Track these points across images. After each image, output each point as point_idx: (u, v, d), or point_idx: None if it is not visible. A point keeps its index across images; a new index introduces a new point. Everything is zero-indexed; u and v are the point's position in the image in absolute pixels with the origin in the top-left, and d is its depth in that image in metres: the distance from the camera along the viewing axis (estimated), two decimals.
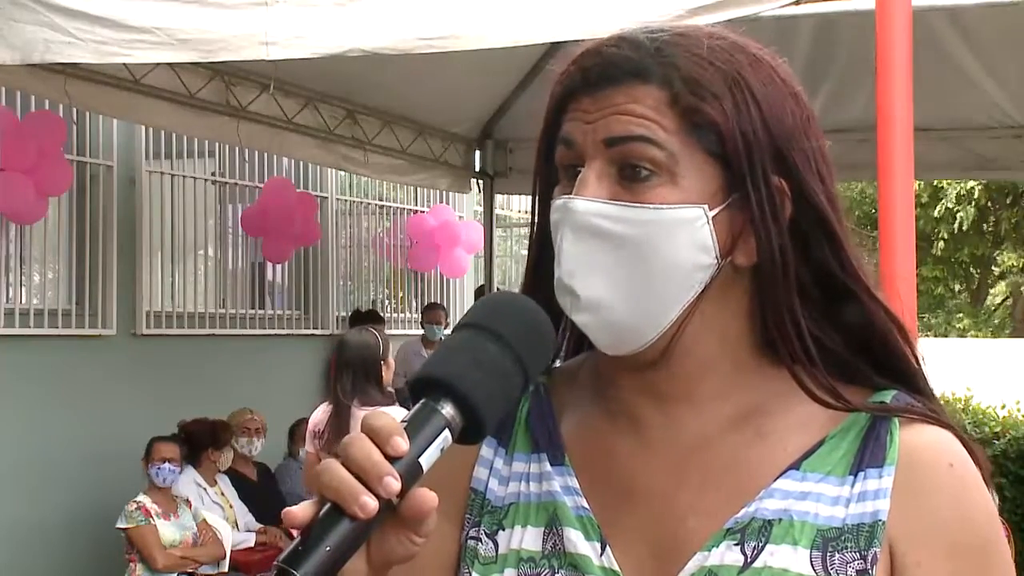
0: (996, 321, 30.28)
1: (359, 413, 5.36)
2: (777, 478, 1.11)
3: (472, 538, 1.19)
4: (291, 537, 6.69)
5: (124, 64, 5.29)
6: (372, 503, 0.90)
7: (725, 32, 1.15)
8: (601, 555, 1.13)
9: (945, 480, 1.11)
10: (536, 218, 1.21)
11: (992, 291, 29.23)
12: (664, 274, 1.09)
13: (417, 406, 0.98)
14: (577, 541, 1.14)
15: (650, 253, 1.09)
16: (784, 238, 1.10)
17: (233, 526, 6.62)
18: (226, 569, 6.38)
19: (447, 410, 0.97)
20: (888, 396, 1.14)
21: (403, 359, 9.18)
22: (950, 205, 24.35)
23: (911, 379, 1.16)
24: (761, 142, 1.09)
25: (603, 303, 1.10)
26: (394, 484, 0.91)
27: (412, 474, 0.94)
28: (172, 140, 7.99)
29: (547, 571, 1.14)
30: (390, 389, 5.94)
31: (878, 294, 1.15)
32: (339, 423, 5.37)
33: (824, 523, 1.09)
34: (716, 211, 1.10)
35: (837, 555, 1.08)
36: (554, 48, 6.94)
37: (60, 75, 5.39)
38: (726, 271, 1.11)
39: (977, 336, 29.50)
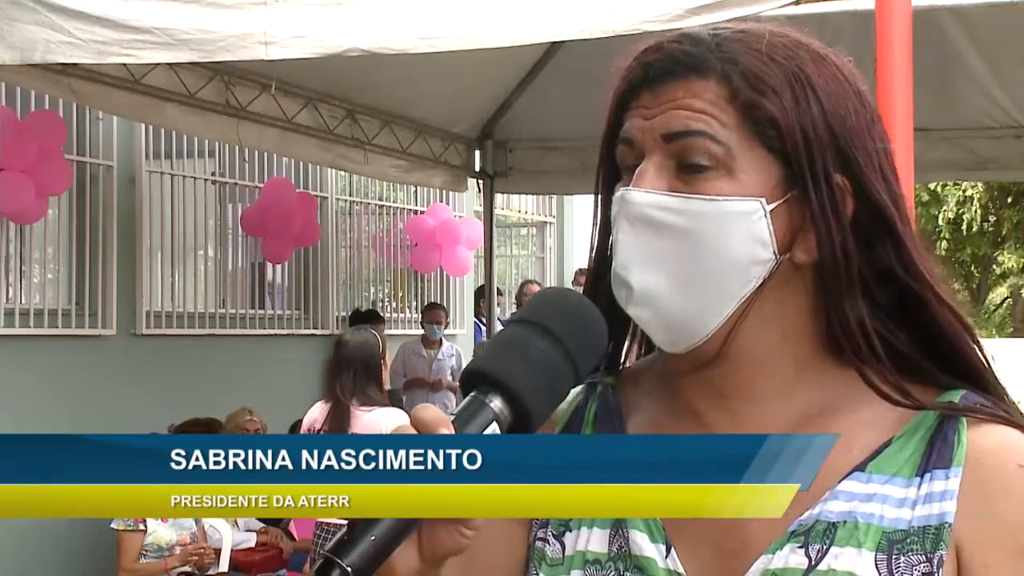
0: (997, 321, 30.29)
1: (358, 412, 5.36)
2: (842, 480, 1.10)
3: (540, 539, 1.18)
4: (292, 538, 6.68)
5: (124, 64, 5.29)
6: None
7: (788, 29, 1.15)
8: (666, 557, 1.13)
9: (1014, 481, 1.09)
10: (599, 220, 1.20)
11: (992, 292, 29.24)
12: (720, 267, 1.09)
13: (466, 399, 0.98)
14: (642, 543, 1.13)
15: (706, 245, 1.08)
16: (846, 235, 1.09)
17: (233, 526, 6.62)
18: (226, 569, 6.38)
19: (496, 404, 0.97)
20: (956, 396, 1.13)
21: (403, 359, 9.17)
22: (951, 215, 24.36)
23: (979, 377, 1.15)
24: (822, 138, 1.09)
25: (657, 295, 1.10)
26: None
27: None
28: (172, 140, 8.00)
29: (613, 573, 1.14)
30: (387, 389, 5.93)
31: (944, 295, 1.14)
32: (338, 422, 5.36)
33: (889, 525, 1.08)
34: (774, 205, 1.09)
35: (903, 557, 1.07)
36: (554, 48, 6.95)
37: (61, 75, 5.39)
38: (785, 267, 1.11)
39: (985, 336, 29.44)
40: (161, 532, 6.14)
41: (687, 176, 1.09)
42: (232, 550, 6.44)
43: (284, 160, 9.00)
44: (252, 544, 6.75)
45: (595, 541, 1.15)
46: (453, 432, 0.94)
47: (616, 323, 1.12)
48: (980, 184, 23.15)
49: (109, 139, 7.45)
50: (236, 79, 6.45)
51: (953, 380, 1.14)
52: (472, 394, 0.98)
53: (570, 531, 1.17)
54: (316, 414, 5.58)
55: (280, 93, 6.68)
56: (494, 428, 0.97)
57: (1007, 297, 29.23)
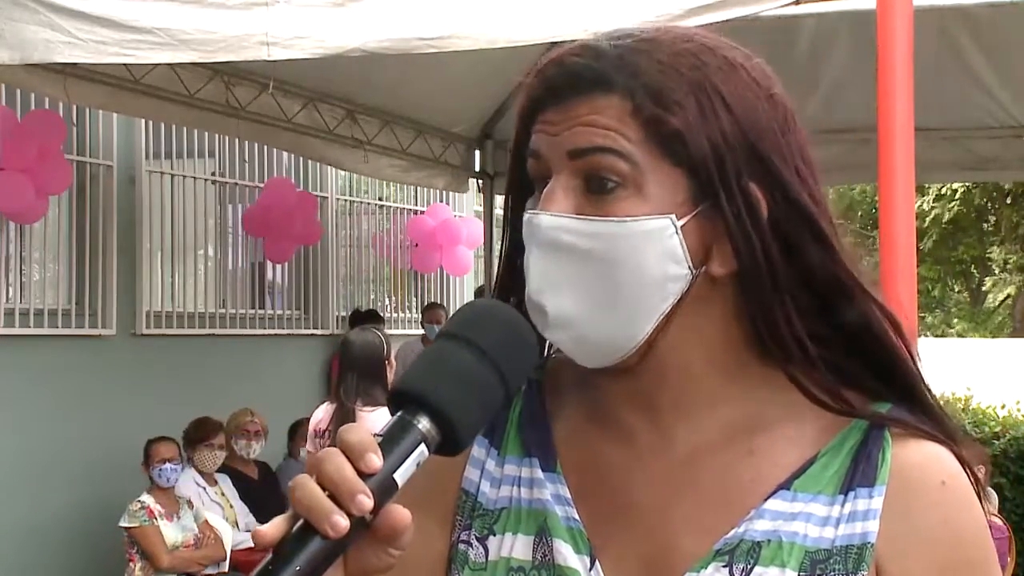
0: (996, 321, 30.26)
1: (363, 414, 5.35)
2: (767, 498, 1.10)
3: (463, 541, 1.17)
4: None
5: (124, 64, 5.29)
6: (343, 522, 0.89)
7: (695, 34, 1.13)
8: (590, 569, 1.12)
9: (936, 498, 1.09)
10: (508, 229, 1.19)
11: (984, 287, 29.25)
12: (634, 287, 1.07)
13: (393, 420, 0.96)
14: (566, 554, 1.12)
15: (618, 267, 1.07)
16: (767, 242, 1.08)
17: (233, 526, 6.62)
18: (226, 569, 6.38)
19: (423, 424, 0.95)
20: (884, 408, 1.12)
21: (403, 359, 9.16)
22: (926, 207, 24.43)
23: (907, 384, 1.13)
24: (732, 147, 1.07)
25: (574, 319, 1.08)
26: (366, 502, 0.90)
27: (386, 491, 0.92)
28: (172, 140, 7.99)
29: None
30: None
31: (873, 292, 1.13)
32: (342, 423, 5.34)
33: (813, 544, 1.08)
34: (685, 220, 1.07)
35: None
36: (554, 48, 6.95)
37: (60, 74, 5.39)
38: (702, 280, 1.09)
39: (982, 336, 29.46)
40: (167, 532, 6.14)
41: (595, 196, 1.08)
42: (232, 550, 6.44)
43: (284, 160, 8.99)
44: (252, 544, 6.75)
45: (519, 548, 1.14)
46: (380, 456, 0.92)
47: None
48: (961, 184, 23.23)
49: (109, 139, 7.45)
50: (236, 79, 6.44)
51: (880, 386, 1.13)
52: (399, 414, 0.96)
53: (494, 535, 1.16)
54: (321, 415, 5.58)
55: (280, 93, 6.68)
56: (422, 449, 0.95)
57: (1007, 296, 29.22)
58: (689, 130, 1.06)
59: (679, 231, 1.07)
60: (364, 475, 0.91)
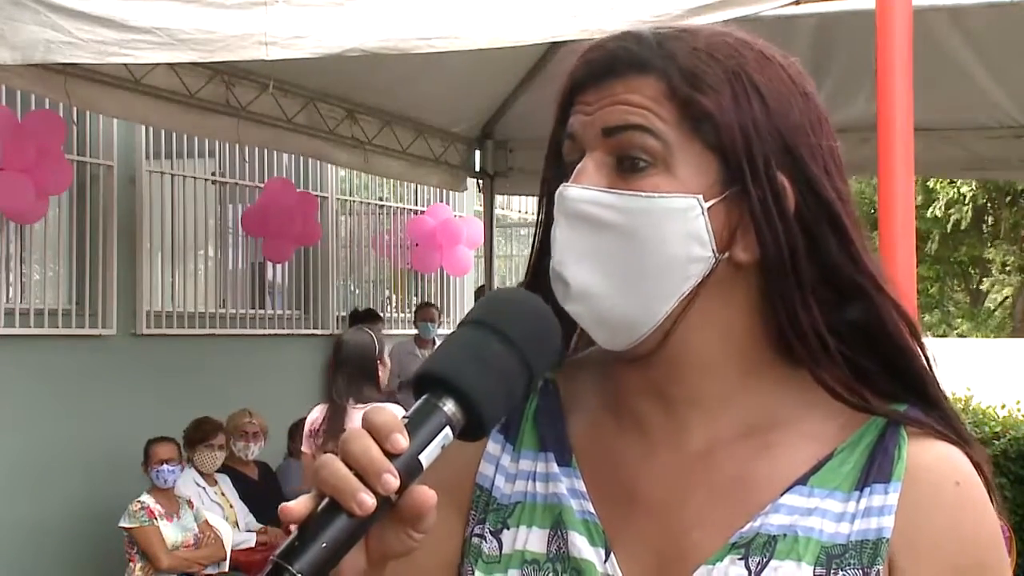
0: (996, 321, 30.24)
1: (354, 412, 5.37)
2: (784, 493, 1.10)
3: (477, 535, 1.18)
4: None
5: (124, 64, 5.29)
6: (370, 500, 0.90)
7: (733, 30, 1.15)
8: (605, 562, 1.12)
9: (950, 498, 1.09)
10: (543, 216, 1.20)
11: (983, 286, 29.23)
12: (656, 264, 1.08)
13: (419, 402, 0.97)
14: (581, 546, 1.13)
15: (642, 242, 1.08)
16: (792, 232, 1.09)
17: (233, 526, 6.62)
18: (227, 569, 6.38)
19: (449, 407, 0.96)
20: (901, 408, 1.13)
21: (396, 359, 9.16)
22: (939, 214, 24.44)
23: (921, 383, 1.14)
24: (763, 135, 1.09)
25: (594, 292, 1.09)
26: (392, 481, 0.91)
27: (411, 471, 0.93)
28: (172, 140, 7.99)
29: (551, 574, 1.13)
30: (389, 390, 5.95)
31: (889, 291, 1.14)
32: (334, 423, 5.37)
33: (828, 540, 1.08)
34: (712, 203, 1.08)
35: (841, 572, 1.07)
36: (554, 48, 6.95)
37: (60, 75, 5.39)
38: (726, 266, 1.10)
39: (982, 336, 29.45)
40: (167, 532, 6.14)
41: (626, 173, 1.09)
42: (232, 550, 6.44)
43: (284, 160, 8.99)
44: (252, 544, 6.76)
45: (534, 541, 1.15)
46: (406, 436, 0.93)
47: (559, 316, 1.10)
48: (975, 182, 23.24)
49: (109, 139, 7.45)
50: (236, 79, 6.44)
51: (895, 387, 1.14)
52: (425, 396, 0.97)
53: (508, 529, 1.17)
54: (316, 415, 5.62)
55: (280, 93, 6.68)
56: (447, 432, 0.96)
57: (1006, 297, 29.23)
58: (721, 113, 1.08)
59: (705, 212, 1.08)
60: (390, 455, 0.92)
